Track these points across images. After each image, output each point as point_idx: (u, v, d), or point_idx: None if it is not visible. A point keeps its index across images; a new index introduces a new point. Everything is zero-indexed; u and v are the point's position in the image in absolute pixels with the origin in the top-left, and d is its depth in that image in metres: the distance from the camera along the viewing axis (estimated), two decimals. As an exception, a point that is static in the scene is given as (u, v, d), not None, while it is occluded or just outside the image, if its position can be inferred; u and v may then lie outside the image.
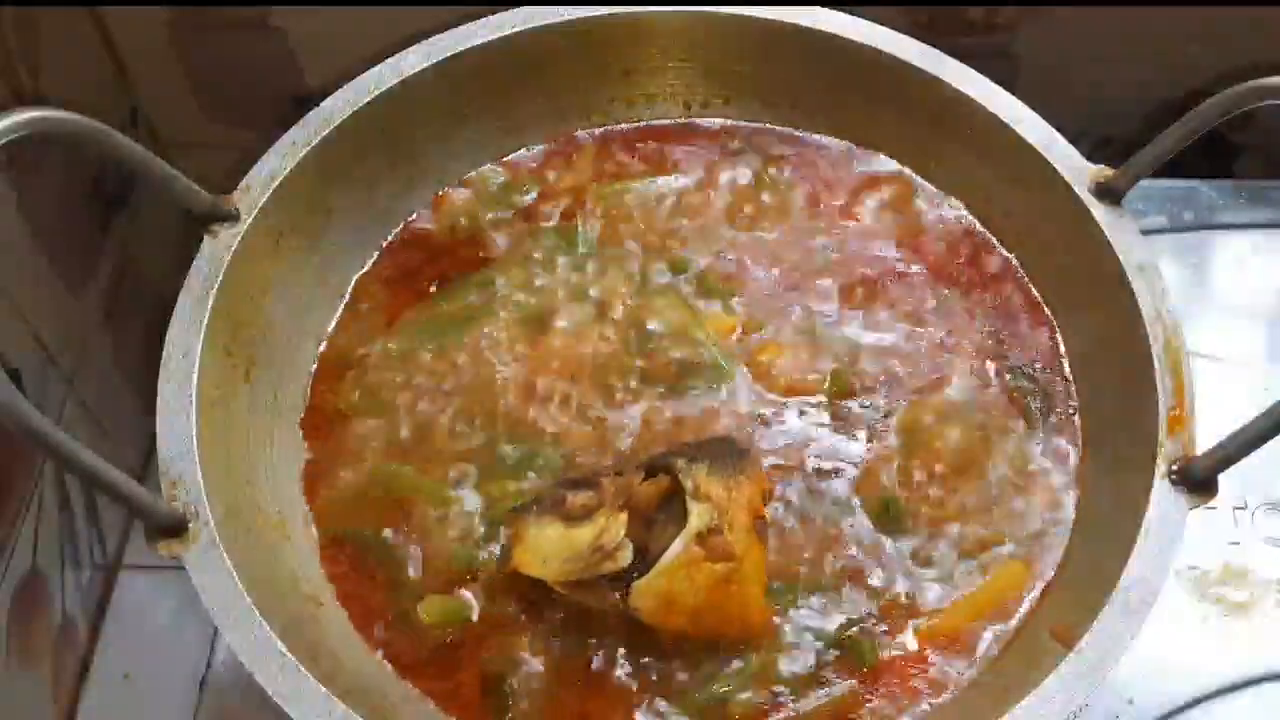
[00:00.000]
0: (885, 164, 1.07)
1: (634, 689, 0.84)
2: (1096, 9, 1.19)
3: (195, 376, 0.85)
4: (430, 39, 1.01)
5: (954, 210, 1.04)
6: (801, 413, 0.95)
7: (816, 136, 1.08)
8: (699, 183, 1.06)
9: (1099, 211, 0.94)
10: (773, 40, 1.04)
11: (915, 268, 1.02)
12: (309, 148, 0.95)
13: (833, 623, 0.86)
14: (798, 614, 0.87)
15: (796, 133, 1.08)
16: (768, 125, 1.09)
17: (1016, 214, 1.02)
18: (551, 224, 1.04)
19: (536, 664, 0.85)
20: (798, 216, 1.04)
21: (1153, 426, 0.85)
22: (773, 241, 1.03)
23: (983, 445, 0.93)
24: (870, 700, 0.84)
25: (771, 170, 1.07)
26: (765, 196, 1.05)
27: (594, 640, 0.85)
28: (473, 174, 1.06)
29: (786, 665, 0.85)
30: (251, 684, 0.76)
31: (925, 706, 0.84)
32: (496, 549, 0.88)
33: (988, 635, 0.86)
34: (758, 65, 1.05)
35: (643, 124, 1.09)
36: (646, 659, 0.85)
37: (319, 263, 0.99)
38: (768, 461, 0.92)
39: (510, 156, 1.07)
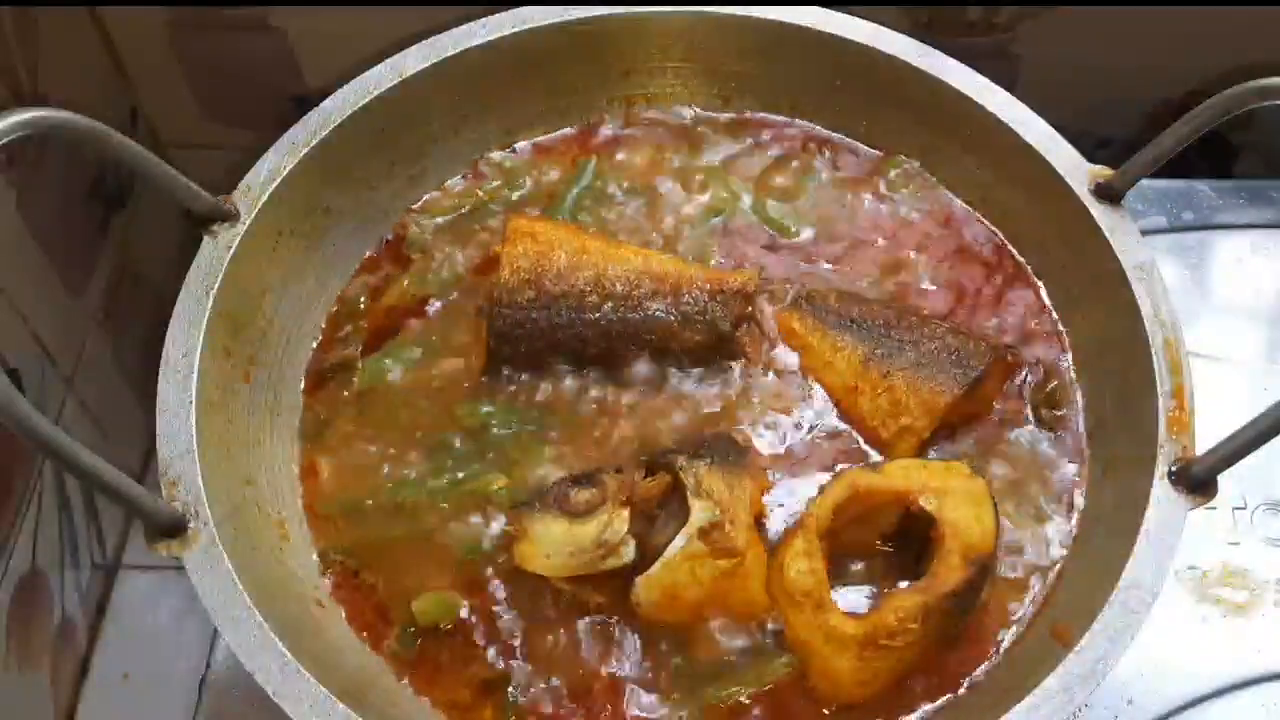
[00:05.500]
0: (887, 163, 1.07)
1: (635, 685, 0.84)
2: (1096, 9, 1.19)
3: (195, 376, 0.86)
4: (430, 39, 1.01)
5: (955, 209, 1.04)
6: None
7: (818, 130, 1.08)
8: (696, 179, 1.06)
9: (1099, 211, 0.94)
10: (773, 40, 1.04)
11: (919, 267, 1.02)
12: (309, 148, 0.96)
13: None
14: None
15: (797, 129, 1.08)
16: (767, 120, 1.09)
17: (1016, 214, 1.02)
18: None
19: (536, 661, 0.85)
20: (799, 215, 1.04)
21: (1153, 426, 0.86)
22: (773, 240, 1.03)
23: (986, 444, 0.94)
24: (872, 701, 0.84)
25: (773, 168, 1.07)
26: (765, 195, 1.05)
27: (595, 636, 0.85)
28: (457, 178, 1.06)
29: (785, 664, 0.85)
30: (251, 684, 0.76)
31: (927, 706, 0.84)
32: (495, 546, 0.88)
33: (988, 635, 0.86)
34: (758, 65, 1.05)
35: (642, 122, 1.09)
36: (648, 655, 0.85)
37: (319, 263, 0.99)
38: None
39: (505, 155, 1.08)
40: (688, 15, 1.04)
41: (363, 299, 1.00)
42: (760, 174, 1.06)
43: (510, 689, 0.84)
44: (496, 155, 1.07)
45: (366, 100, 0.98)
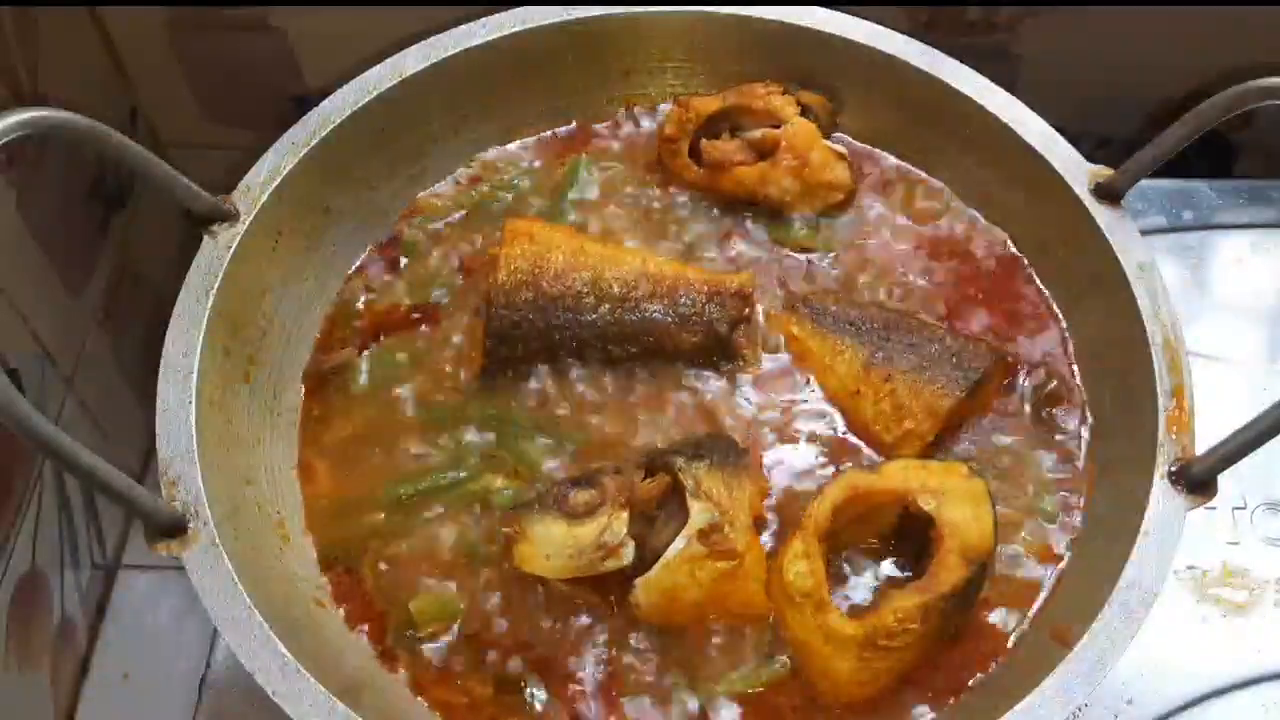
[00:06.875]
0: (888, 163, 1.07)
1: (634, 687, 0.84)
2: (1096, 9, 1.19)
3: (195, 376, 0.86)
4: (430, 39, 1.01)
5: (957, 209, 1.04)
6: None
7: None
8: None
9: (1099, 211, 0.94)
10: (773, 40, 1.04)
11: (918, 268, 1.02)
12: (309, 148, 0.96)
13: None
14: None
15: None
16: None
17: (1016, 214, 1.02)
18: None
19: (535, 662, 0.85)
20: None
21: (1153, 426, 0.86)
22: (770, 242, 1.03)
23: (986, 444, 0.94)
24: (872, 701, 0.84)
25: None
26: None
27: (594, 638, 0.85)
28: (457, 178, 1.06)
29: (785, 665, 0.85)
30: (251, 684, 0.76)
31: (926, 706, 0.84)
32: (494, 547, 0.88)
33: (988, 635, 0.86)
34: (758, 65, 1.05)
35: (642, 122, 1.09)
36: (648, 656, 0.85)
37: (318, 263, 0.99)
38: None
39: (505, 156, 1.07)
40: (688, 15, 1.04)
41: (362, 299, 1.00)
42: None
43: (510, 691, 0.84)
44: (496, 155, 1.07)
45: (366, 100, 0.98)
